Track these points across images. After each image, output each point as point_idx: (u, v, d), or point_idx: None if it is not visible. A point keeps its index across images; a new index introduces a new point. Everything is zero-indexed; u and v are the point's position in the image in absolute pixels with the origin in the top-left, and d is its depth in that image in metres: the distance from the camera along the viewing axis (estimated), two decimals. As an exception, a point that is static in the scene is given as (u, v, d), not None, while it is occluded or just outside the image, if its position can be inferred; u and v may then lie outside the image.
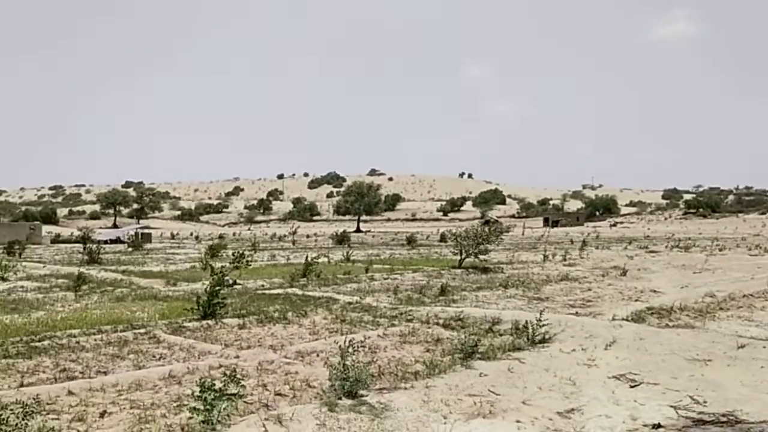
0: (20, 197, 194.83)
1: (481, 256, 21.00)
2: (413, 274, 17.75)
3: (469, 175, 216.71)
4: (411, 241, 39.22)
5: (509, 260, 23.69)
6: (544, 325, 7.86)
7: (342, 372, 5.49)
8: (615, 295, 13.49)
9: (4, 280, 16.37)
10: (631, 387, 6.23)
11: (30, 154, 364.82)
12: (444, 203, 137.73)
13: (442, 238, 42.89)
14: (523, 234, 60.36)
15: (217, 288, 9.93)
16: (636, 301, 12.54)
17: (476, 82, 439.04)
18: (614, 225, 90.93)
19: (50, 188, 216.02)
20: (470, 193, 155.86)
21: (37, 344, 7.64)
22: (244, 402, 5.26)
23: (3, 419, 3.84)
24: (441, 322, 9.50)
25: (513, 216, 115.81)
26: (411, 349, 7.72)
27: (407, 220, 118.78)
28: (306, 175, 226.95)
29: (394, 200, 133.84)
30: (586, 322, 9.19)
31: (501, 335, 8.46)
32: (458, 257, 20.75)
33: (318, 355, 7.32)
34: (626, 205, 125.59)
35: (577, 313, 10.62)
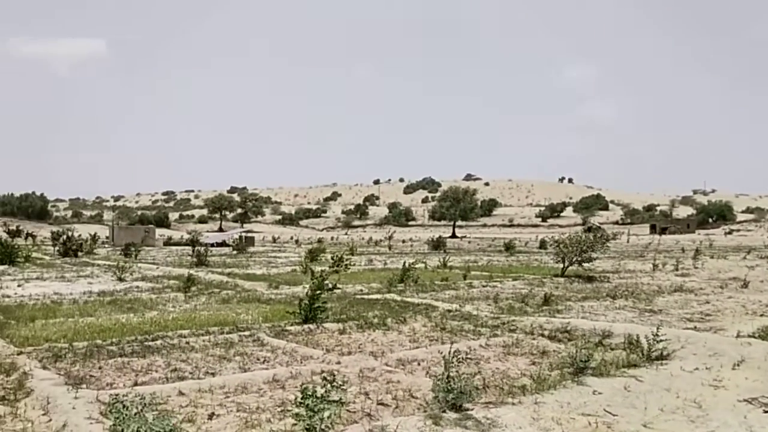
0: (136, 202, 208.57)
1: (585, 265, 20.12)
2: (513, 282, 17.25)
3: (569, 180, 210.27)
4: (509, 247, 38.37)
5: (615, 269, 22.58)
6: (661, 340, 7.30)
7: (446, 383, 5.30)
8: (737, 308, 12.45)
9: (121, 280, 17.39)
10: (765, 412, 5.63)
11: (145, 162, 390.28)
12: (543, 209, 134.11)
13: (542, 245, 41.67)
14: (627, 241, 57.65)
15: (318, 292, 10.01)
16: (762, 316, 11.50)
17: (574, 83, 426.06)
18: (729, 233, 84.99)
19: (163, 194, 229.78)
20: (570, 198, 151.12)
21: (151, 344, 7.96)
22: (347, 410, 5.19)
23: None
24: (546, 333, 9.08)
25: (616, 222, 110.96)
26: (516, 361, 7.40)
27: (504, 225, 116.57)
28: (401, 180, 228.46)
29: (490, 205, 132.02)
30: (709, 338, 8.48)
31: (612, 349, 7.96)
32: (560, 265, 19.99)
33: (419, 364, 7.16)
34: (743, 212, 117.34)
35: (696, 328, 9.85)
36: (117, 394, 3.40)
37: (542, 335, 8.96)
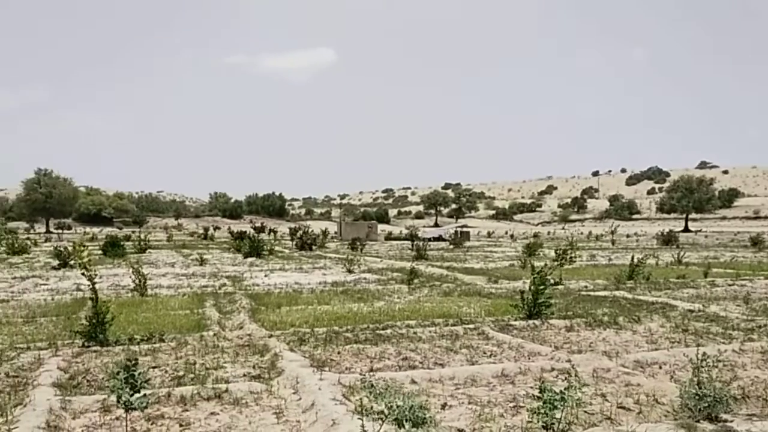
0: (359, 200, 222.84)
1: None
2: (767, 281, 15.13)
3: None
4: (757, 242, 33.89)
5: None
6: None
7: (697, 389, 4.74)
8: None
9: (350, 272, 18.60)
10: None
11: (367, 162, 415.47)
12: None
13: (799, 239, 36.14)
14: None
15: (541, 287, 9.70)
16: None
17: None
18: None
19: (383, 191, 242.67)
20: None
21: (381, 332, 8.34)
22: (585, 411, 4.90)
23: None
24: (818, 340, 7.76)
25: None
26: (780, 371, 6.41)
27: (748, 218, 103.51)
28: (623, 171, 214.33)
29: (730, 196, 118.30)
30: None
31: None
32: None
33: (660, 367, 6.54)
34: None
35: None
36: (364, 377, 3.56)
37: (813, 343, 7.67)
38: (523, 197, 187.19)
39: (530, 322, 9.21)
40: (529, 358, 6.91)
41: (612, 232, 53.08)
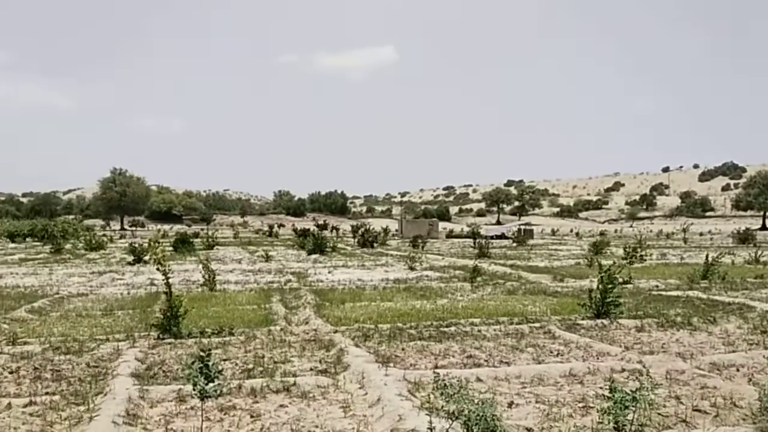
0: (420, 197, 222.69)
1: None
2: None
3: None
4: (842, 240, 31.93)
5: None
6: None
7: (778, 394, 4.53)
8: None
9: (412, 269, 18.64)
10: None
11: (428, 159, 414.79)
12: None
13: None
14: None
15: (610, 286, 9.45)
16: None
17: None
18: None
19: (443, 189, 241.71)
20: None
21: (445, 329, 8.32)
22: (658, 413, 4.75)
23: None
24: None
25: None
26: None
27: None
28: (696, 166, 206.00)
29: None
30: None
31: None
32: None
33: (738, 370, 6.27)
34: None
35: None
36: (437, 374, 3.57)
37: None
38: (588, 194, 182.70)
39: (598, 321, 8.99)
40: (597, 358, 6.76)
41: (684, 230, 51.21)
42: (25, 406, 5.01)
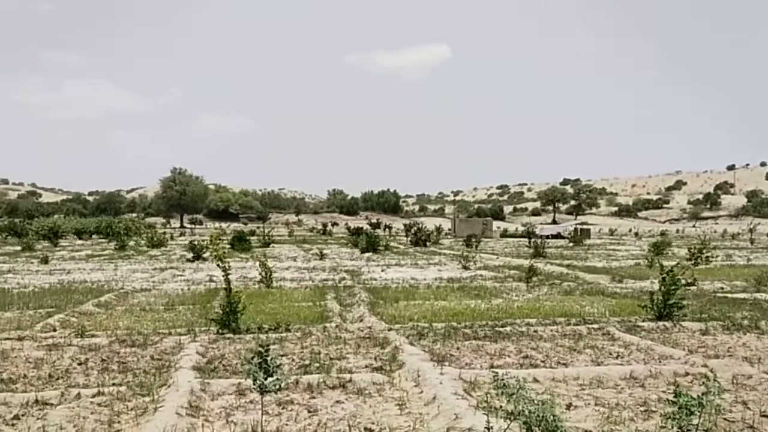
0: (473, 196, 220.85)
1: None
2: None
3: None
4: None
5: None
6: None
7: None
8: None
9: (466, 268, 18.50)
10: None
11: (480, 158, 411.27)
12: None
13: None
14: None
15: (673, 287, 9.15)
16: None
17: None
18: None
19: (497, 187, 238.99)
20: None
21: (500, 329, 8.23)
22: (724, 419, 4.58)
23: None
24: None
25: None
26: None
27: None
28: (763, 164, 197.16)
29: None
30: None
31: None
32: None
33: (811, 377, 5.98)
34: None
35: None
36: (497, 373, 3.53)
37: None
38: (648, 193, 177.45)
39: (660, 323, 8.73)
40: (659, 361, 6.56)
41: (751, 230, 49.13)
42: (94, 396, 5.22)
